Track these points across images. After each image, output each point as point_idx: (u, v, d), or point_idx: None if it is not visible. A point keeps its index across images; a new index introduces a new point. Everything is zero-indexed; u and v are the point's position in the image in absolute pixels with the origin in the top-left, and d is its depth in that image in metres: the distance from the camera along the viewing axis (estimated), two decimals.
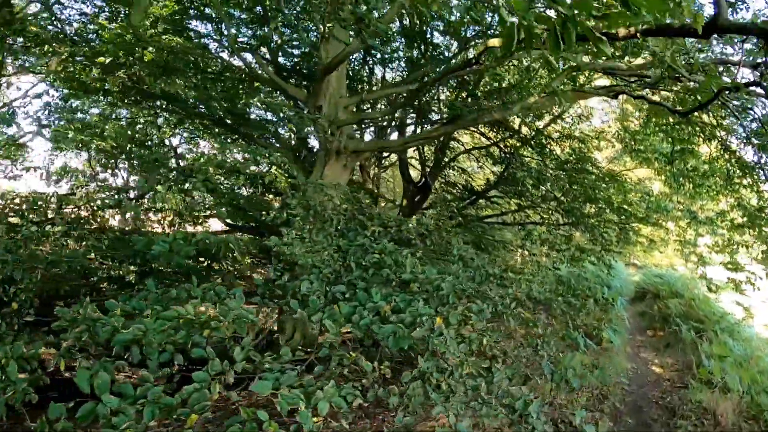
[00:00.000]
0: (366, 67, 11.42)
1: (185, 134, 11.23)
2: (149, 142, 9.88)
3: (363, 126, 11.81)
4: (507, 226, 13.21)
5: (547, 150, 10.50)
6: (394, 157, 13.86)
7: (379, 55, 11.20)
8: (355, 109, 9.16)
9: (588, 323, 9.96)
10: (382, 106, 10.82)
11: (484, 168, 13.58)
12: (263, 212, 6.17)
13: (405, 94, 7.74)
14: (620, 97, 11.53)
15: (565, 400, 6.08)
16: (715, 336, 10.81)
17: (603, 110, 14.19)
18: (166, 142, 10.98)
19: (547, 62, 2.42)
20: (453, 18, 9.67)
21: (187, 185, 4.24)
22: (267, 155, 5.87)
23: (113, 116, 8.04)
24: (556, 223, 11.63)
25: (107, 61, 5.68)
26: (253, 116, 9.33)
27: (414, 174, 13.60)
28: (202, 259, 5.77)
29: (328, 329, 2.74)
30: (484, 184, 12.66)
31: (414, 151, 13.26)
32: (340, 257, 4.48)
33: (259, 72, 8.28)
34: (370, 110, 10.63)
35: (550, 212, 11.39)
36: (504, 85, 6.91)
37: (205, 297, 3.34)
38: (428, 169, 13.34)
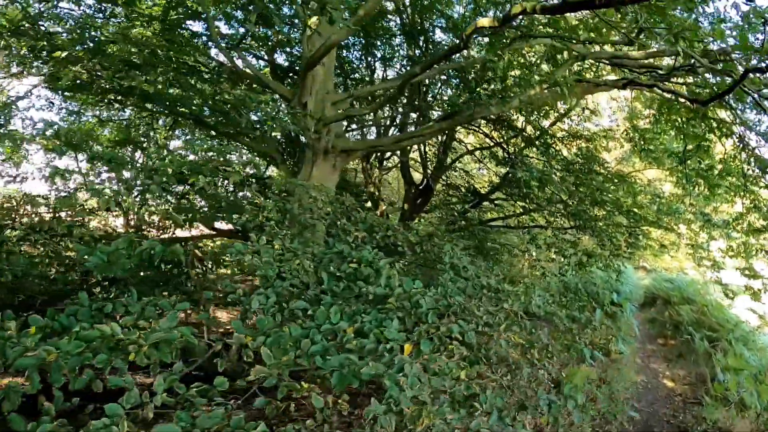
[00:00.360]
0: (366, 67, 11.04)
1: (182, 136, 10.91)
2: (147, 144, 9.57)
3: (364, 126, 11.40)
4: (512, 229, 12.70)
5: (553, 150, 10.00)
6: (397, 158, 13.56)
7: (379, 54, 10.81)
8: (348, 107, 8.71)
9: (594, 341, 9.47)
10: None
11: (489, 170, 13.08)
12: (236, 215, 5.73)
13: (391, 90, 7.30)
14: (630, 94, 11.04)
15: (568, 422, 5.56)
16: (730, 345, 10.23)
17: (611, 109, 13.64)
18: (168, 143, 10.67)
19: None
20: (455, 14, 9.26)
21: (141, 188, 3.83)
22: (241, 153, 5.40)
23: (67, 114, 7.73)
24: (563, 227, 11.14)
25: (63, 55, 5.26)
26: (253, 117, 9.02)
27: (417, 176, 13.28)
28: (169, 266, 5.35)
29: (264, 359, 2.25)
30: (488, 185, 12.19)
31: (415, 152, 12.89)
32: (312, 267, 4.00)
33: (245, 69, 7.89)
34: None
35: (556, 215, 10.88)
36: (501, 75, 6.40)
37: (144, 313, 2.88)
38: (430, 171, 12.93)
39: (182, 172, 4.46)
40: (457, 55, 6.78)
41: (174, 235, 7.63)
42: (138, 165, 6.06)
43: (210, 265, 5.63)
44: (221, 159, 5.23)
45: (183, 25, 8.22)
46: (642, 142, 10.02)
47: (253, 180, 7.72)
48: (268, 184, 6.27)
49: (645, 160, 10.31)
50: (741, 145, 6.62)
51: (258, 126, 7.86)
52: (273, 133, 7.66)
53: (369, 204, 14.59)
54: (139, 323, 2.71)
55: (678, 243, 13.12)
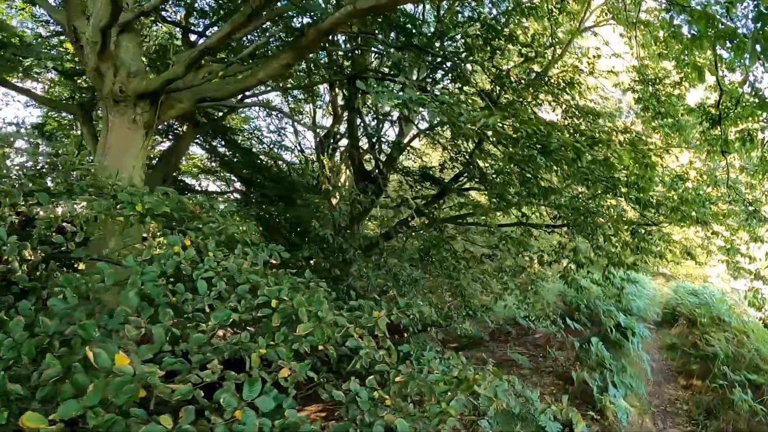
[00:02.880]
0: None
1: None
2: None
3: None
4: (480, 228, 9.61)
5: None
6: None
7: None
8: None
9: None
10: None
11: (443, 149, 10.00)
12: None
13: None
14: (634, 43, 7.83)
15: None
16: None
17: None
18: None
19: None
20: None
21: None
22: None
23: None
24: (548, 225, 8.15)
25: None
26: None
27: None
28: None
29: None
30: (438, 170, 9.23)
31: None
32: None
33: None
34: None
35: (534, 207, 7.83)
36: None
37: None
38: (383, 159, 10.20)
39: None
40: None
41: None
42: None
43: None
44: None
45: None
46: (656, 103, 6.85)
47: None
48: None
49: (661, 127, 7.10)
50: None
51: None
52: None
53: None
54: None
55: (706, 247, 9.87)
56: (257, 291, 2.22)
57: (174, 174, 9.00)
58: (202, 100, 4.97)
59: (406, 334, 7.20)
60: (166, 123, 9.42)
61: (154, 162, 8.71)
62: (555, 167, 3.95)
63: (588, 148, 3.52)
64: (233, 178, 11.66)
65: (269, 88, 9.66)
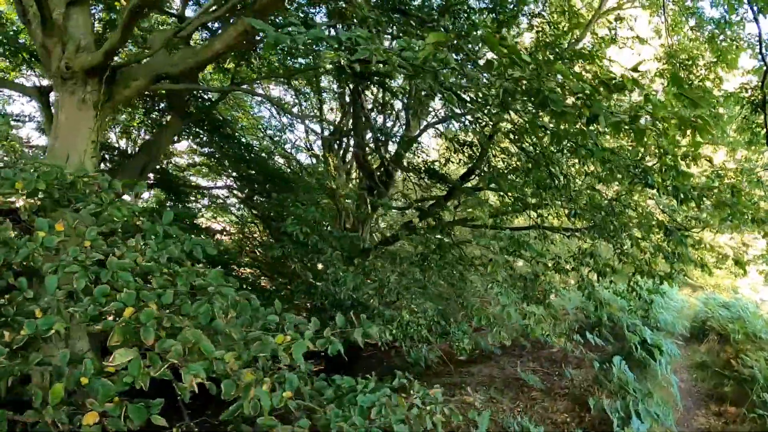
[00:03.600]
0: None
1: None
2: None
3: None
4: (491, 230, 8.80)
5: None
6: None
7: None
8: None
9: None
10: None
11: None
12: None
13: None
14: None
15: None
16: None
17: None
18: None
19: None
20: None
21: None
22: None
23: None
24: (564, 229, 7.42)
25: None
26: None
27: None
28: None
29: None
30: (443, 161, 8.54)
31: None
32: None
33: None
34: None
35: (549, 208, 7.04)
36: None
37: None
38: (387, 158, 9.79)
39: None
40: None
41: None
42: None
43: None
44: None
45: None
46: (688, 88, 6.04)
47: None
48: None
49: (691, 115, 6.28)
50: None
51: None
52: None
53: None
54: None
55: (742, 255, 8.94)
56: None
57: (158, 165, 8.48)
58: (158, 78, 4.40)
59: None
60: (157, 112, 8.87)
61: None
62: (560, 132, 3.11)
63: (607, 91, 2.66)
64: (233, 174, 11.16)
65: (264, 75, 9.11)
